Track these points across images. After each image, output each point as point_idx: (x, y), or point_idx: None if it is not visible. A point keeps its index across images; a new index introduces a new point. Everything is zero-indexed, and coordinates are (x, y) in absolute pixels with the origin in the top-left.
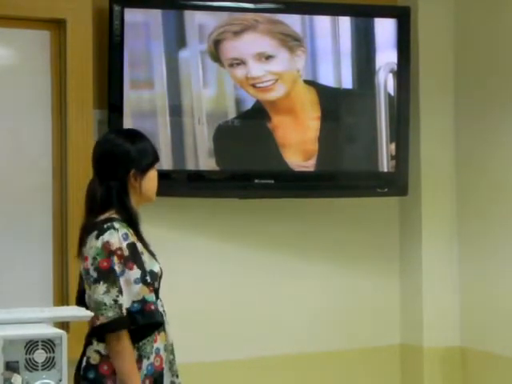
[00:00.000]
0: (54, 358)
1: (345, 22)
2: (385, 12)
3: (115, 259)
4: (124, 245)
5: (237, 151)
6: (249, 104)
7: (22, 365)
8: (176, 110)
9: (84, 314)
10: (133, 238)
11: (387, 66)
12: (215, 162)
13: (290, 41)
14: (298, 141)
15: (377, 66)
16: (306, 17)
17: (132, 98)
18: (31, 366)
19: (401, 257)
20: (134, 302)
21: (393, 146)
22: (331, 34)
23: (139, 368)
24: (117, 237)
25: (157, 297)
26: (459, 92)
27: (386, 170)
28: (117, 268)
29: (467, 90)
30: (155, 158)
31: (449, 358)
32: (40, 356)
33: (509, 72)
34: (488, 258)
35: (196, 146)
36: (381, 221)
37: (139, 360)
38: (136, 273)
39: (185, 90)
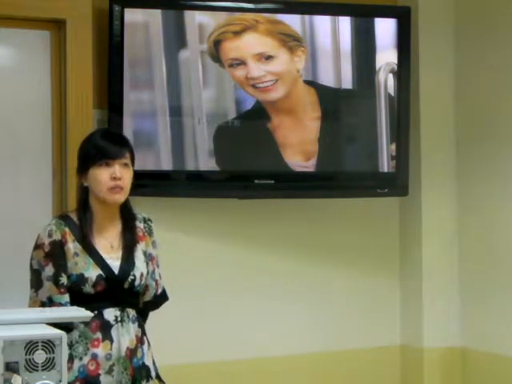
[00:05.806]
0: (53, 358)
1: (345, 22)
2: (385, 12)
3: (40, 253)
4: (46, 241)
5: (237, 151)
6: (249, 104)
7: (22, 365)
8: (176, 110)
9: (84, 314)
10: (59, 237)
11: (387, 66)
12: (215, 162)
13: (290, 41)
14: (298, 141)
15: (377, 66)
16: (306, 17)
17: (132, 98)
18: (31, 366)
19: (401, 257)
20: (47, 297)
21: (393, 146)
22: (331, 34)
23: (70, 368)
24: (44, 232)
25: (99, 301)
26: (460, 92)
27: (386, 170)
28: (41, 262)
29: (468, 90)
30: (95, 156)
31: (449, 358)
32: (40, 357)
33: (510, 72)
34: (489, 258)
35: (196, 146)
36: (381, 221)
37: (70, 359)
38: (49, 270)
39: (185, 90)
